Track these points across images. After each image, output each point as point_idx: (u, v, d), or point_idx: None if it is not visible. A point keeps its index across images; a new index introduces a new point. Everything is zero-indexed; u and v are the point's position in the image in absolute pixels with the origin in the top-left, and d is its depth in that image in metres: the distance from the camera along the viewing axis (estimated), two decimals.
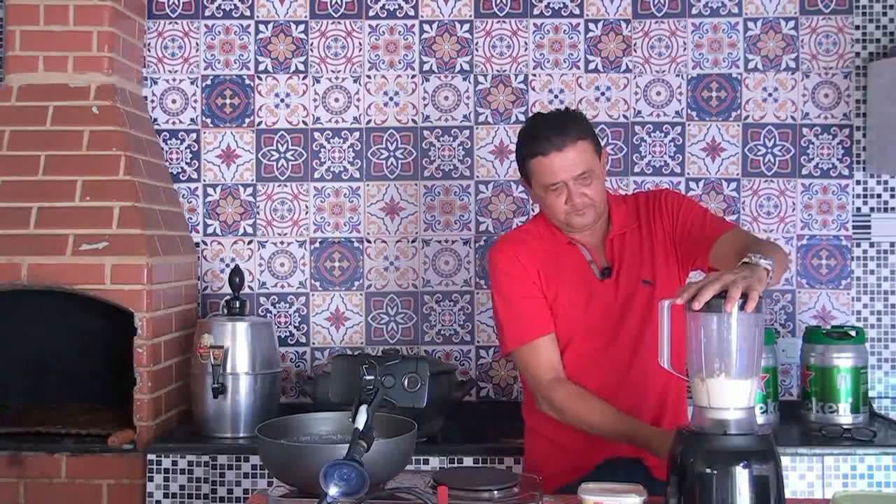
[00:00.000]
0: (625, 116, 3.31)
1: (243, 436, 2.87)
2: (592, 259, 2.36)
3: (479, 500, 1.84)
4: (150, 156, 3.14)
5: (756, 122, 3.29)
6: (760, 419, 2.75)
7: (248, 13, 3.33)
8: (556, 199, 2.27)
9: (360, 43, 3.33)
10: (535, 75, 3.31)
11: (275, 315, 3.31)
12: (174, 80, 3.33)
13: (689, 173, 3.30)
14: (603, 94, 3.31)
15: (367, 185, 3.32)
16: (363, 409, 1.75)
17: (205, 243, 3.33)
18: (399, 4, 3.32)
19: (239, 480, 2.75)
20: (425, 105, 3.32)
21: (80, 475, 2.78)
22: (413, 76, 3.32)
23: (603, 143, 3.24)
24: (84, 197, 2.87)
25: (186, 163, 3.33)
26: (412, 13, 3.32)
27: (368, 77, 3.32)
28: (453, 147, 3.32)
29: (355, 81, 3.32)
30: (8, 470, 2.78)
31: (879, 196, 3.28)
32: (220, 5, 3.33)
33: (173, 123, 3.34)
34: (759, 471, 1.68)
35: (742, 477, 1.67)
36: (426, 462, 2.71)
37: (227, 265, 3.28)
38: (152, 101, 3.33)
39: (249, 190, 3.33)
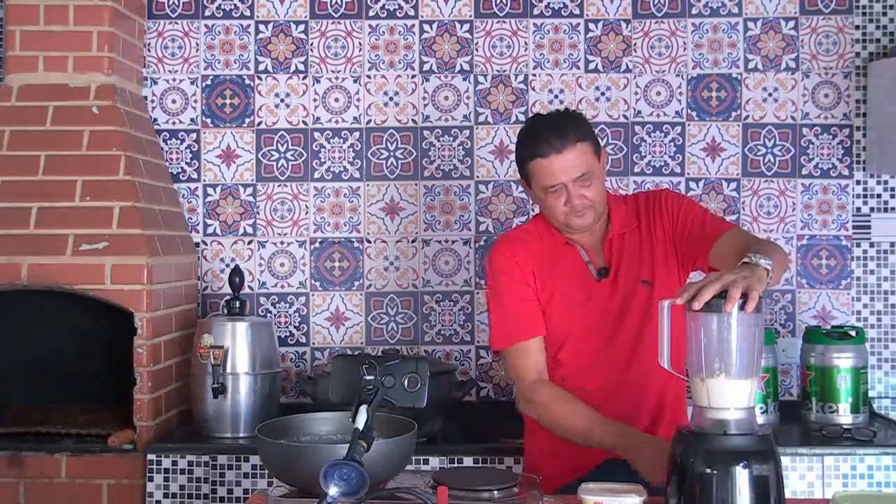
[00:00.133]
0: (625, 116, 3.31)
1: (243, 436, 2.87)
2: (590, 259, 2.36)
3: (479, 500, 1.84)
4: (150, 156, 3.14)
5: (756, 122, 3.29)
6: (760, 419, 2.75)
7: (248, 13, 3.33)
8: (556, 201, 2.27)
9: (360, 43, 3.33)
10: (535, 75, 3.31)
11: (275, 315, 3.31)
12: (174, 80, 3.33)
13: (689, 173, 3.30)
14: (603, 94, 3.31)
15: (367, 185, 3.32)
16: (363, 409, 1.75)
17: (205, 243, 3.33)
18: (399, 4, 3.32)
19: (239, 480, 2.75)
20: (425, 105, 3.32)
21: (80, 475, 2.78)
22: (413, 76, 3.32)
23: (603, 143, 3.24)
24: (84, 197, 2.87)
25: (186, 163, 3.33)
26: (412, 13, 3.32)
27: (368, 77, 3.32)
28: (453, 147, 3.32)
29: (355, 81, 3.32)
30: (8, 470, 2.78)
31: (879, 196, 3.28)
32: (220, 5, 3.33)
33: (173, 123, 3.34)
34: (759, 471, 1.68)
35: (742, 477, 1.67)
36: (426, 462, 2.71)
37: (227, 265, 3.28)
38: (152, 101, 3.33)
39: (249, 190, 3.33)
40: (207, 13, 3.33)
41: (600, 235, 2.37)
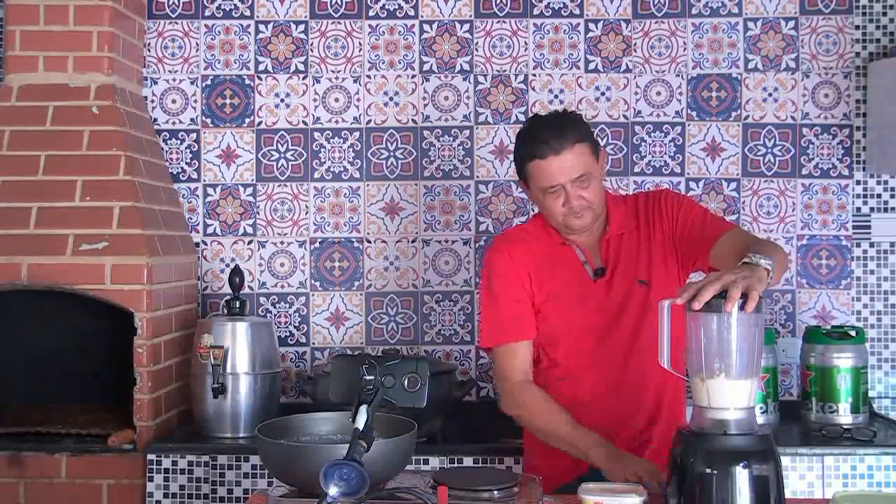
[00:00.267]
0: (625, 116, 3.31)
1: (243, 436, 2.87)
2: (586, 259, 2.37)
3: (479, 500, 1.84)
4: (150, 156, 3.14)
5: (756, 122, 3.29)
6: (760, 419, 2.75)
7: (248, 13, 3.33)
8: (554, 202, 2.28)
9: (360, 43, 3.33)
10: (535, 75, 3.31)
11: (275, 315, 3.31)
12: (174, 80, 3.33)
13: (689, 173, 3.30)
14: (603, 94, 3.31)
15: (367, 185, 3.32)
16: (363, 409, 1.75)
17: (205, 243, 3.33)
18: (399, 4, 3.32)
19: (239, 480, 2.75)
20: (425, 105, 3.32)
21: (80, 475, 2.78)
22: (413, 76, 3.32)
23: (603, 144, 3.25)
24: (84, 197, 2.87)
25: (186, 163, 3.33)
26: (412, 13, 3.32)
27: (368, 77, 3.32)
28: (453, 147, 3.32)
29: (355, 81, 3.32)
30: (8, 470, 2.78)
31: (879, 196, 3.28)
32: (220, 5, 3.33)
33: (173, 123, 3.34)
34: (759, 471, 1.68)
35: (742, 477, 1.67)
36: (426, 462, 2.71)
37: (227, 265, 3.28)
38: (152, 101, 3.33)
39: (249, 190, 3.33)
40: (207, 13, 3.33)
41: (598, 236, 2.38)
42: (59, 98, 2.97)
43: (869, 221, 3.28)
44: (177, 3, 3.33)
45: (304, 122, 3.33)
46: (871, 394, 3.13)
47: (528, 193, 2.39)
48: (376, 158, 3.32)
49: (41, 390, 3.12)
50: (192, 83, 3.33)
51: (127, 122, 3.01)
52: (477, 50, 3.32)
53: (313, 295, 3.32)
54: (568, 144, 2.23)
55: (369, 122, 3.32)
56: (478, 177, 3.31)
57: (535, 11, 3.31)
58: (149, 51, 3.33)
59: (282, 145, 3.33)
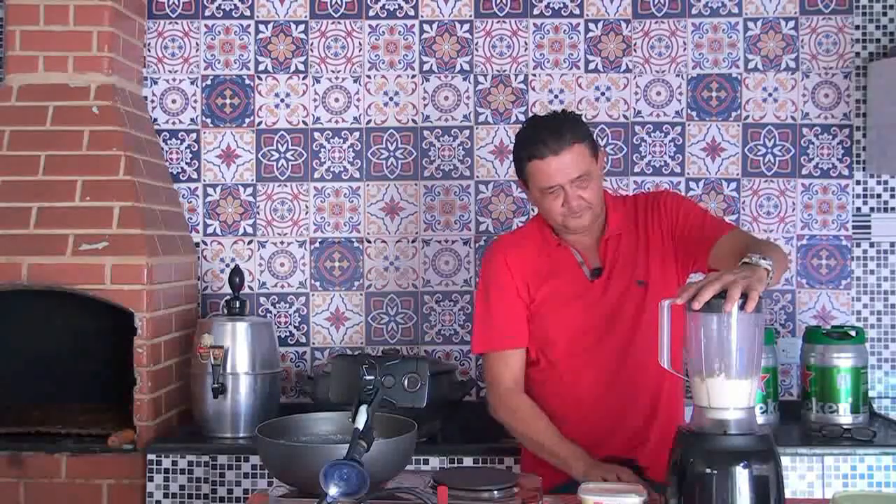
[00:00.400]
0: (625, 116, 3.31)
1: (243, 436, 2.87)
2: (583, 260, 2.38)
3: (479, 500, 1.84)
4: (150, 156, 3.14)
5: (756, 122, 3.29)
6: (760, 419, 2.75)
7: (248, 13, 3.33)
8: (553, 202, 2.28)
9: (360, 43, 3.33)
10: (535, 75, 3.31)
11: (275, 315, 3.31)
12: (174, 80, 3.33)
13: (689, 173, 3.30)
14: (603, 94, 3.31)
15: (367, 185, 3.32)
16: (363, 409, 1.75)
17: (205, 243, 3.33)
18: (399, 4, 3.32)
19: (239, 480, 2.75)
20: (425, 105, 3.32)
21: (80, 475, 2.78)
22: (413, 76, 3.32)
23: (603, 144, 3.25)
24: (84, 197, 2.87)
25: (186, 163, 3.33)
26: (412, 13, 3.32)
27: (368, 77, 3.32)
28: (453, 147, 3.32)
29: (355, 81, 3.32)
30: (8, 470, 2.78)
31: (879, 196, 3.28)
32: (220, 5, 3.33)
33: (173, 123, 3.34)
34: (759, 471, 1.68)
35: (742, 477, 1.67)
36: (426, 462, 2.71)
37: (227, 265, 3.28)
38: (152, 101, 3.33)
39: (249, 190, 3.33)
40: (207, 13, 3.33)
41: (597, 236, 2.38)
42: (59, 98, 2.97)
43: (869, 221, 3.28)
44: (177, 3, 3.33)
45: (304, 122, 3.33)
46: (871, 394, 3.13)
47: (528, 194, 2.39)
48: (376, 158, 3.32)
49: (41, 390, 3.12)
50: (192, 83, 3.33)
51: (127, 122, 3.01)
52: (477, 50, 3.32)
53: (313, 295, 3.32)
54: (567, 145, 2.24)
55: (369, 122, 3.32)
56: (478, 177, 3.31)
57: (535, 11, 3.31)
58: (149, 51, 3.33)
59: (282, 145, 3.33)
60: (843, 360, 2.90)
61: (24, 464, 2.78)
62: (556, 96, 3.31)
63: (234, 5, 3.33)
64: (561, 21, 3.31)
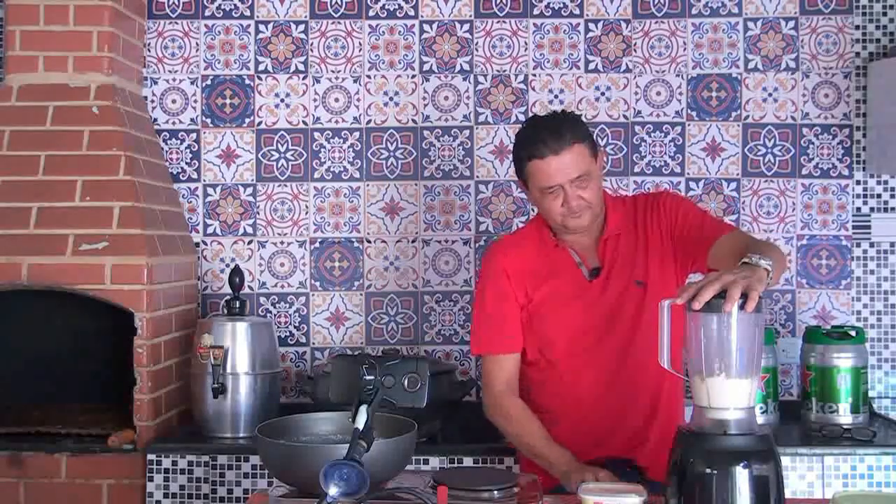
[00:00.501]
0: (625, 116, 3.31)
1: (243, 436, 2.87)
2: (581, 260, 2.38)
3: (479, 500, 1.84)
4: (150, 156, 3.14)
5: (756, 122, 3.29)
6: (760, 419, 2.75)
7: (248, 13, 3.33)
8: (553, 202, 2.29)
9: (360, 43, 3.33)
10: (535, 75, 3.31)
11: (275, 315, 3.31)
12: (174, 80, 3.33)
13: (689, 173, 3.30)
14: (603, 94, 3.31)
15: (367, 185, 3.32)
16: (363, 409, 1.75)
17: (205, 243, 3.33)
18: (399, 4, 3.32)
19: (239, 480, 2.75)
20: (425, 105, 3.32)
21: (80, 475, 2.78)
22: (413, 76, 3.32)
23: (603, 144, 3.25)
24: (84, 197, 2.87)
25: (186, 163, 3.33)
26: (412, 13, 3.32)
27: (368, 77, 3.32)
28: (453, 147, 3.32)
29: (355, 81, 3.32)
30: (8, 470, 2.78)
31: (879, 196, 3.28)
32: (220, 5, 3.33)
33: (173, 123, 3.34)
34: (759, 471, 1.68)
35: (742, 477, 1.67)
36: (426, 462, 2.71)
37: (227, 265, 3.28)
38: (152, 101, 3.33)
39: (249, 190, 3.33)
40: (207, 13, 3.33)
41: (596, 236, 2.39)
42: (59, 98, 2.97)
43: (869, 221, 3.28)
44: (177, 3, 3.33)
45: (304, 122, 3.33)
46: (871, 394, 3.13)
47: (528, 194, 2.39)
48: (376, 158, 3.32)
49: (41, 390, 3.12)
50: (192, 83, 3.33)
51: (127, 122, 3.01)
52: (477, 50, 3.32)
53: (313, 295, 3.32)
54: (566, 145, 2.24)
55: (369, 122, 3.32)
56: (478, 177, 3.31)
57: (535, 11, 3.31)
58: (149, 51, 3.33)
59: (282, 145, 3.33)
60: (843, 360, 2.90)
61: (24, 464, 2.78)
62: (556, 96, 3.31)
63: (234, 5, 3.33)
64: (561, 21, 3.31)
